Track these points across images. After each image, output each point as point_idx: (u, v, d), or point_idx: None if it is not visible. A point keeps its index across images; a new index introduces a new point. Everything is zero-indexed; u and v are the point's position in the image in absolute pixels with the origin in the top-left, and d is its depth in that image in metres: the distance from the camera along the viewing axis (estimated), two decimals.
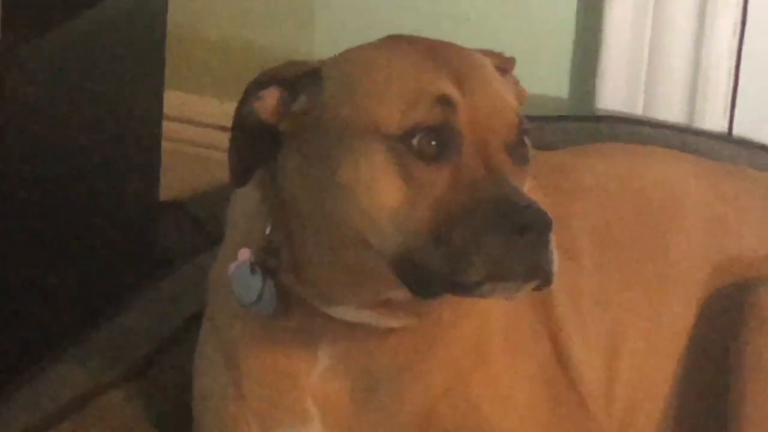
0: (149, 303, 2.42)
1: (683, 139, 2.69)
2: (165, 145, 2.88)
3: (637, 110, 2.86)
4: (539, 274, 1.82)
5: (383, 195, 1.89)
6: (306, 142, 1.98)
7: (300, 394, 2.07)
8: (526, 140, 1.93)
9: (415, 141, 1.87)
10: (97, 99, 2.72)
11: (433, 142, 1.87)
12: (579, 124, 2.73)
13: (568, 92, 2.93)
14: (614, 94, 2.87)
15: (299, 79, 1.99)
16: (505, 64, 2.06)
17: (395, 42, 2.02)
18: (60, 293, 2.61)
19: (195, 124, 2.61)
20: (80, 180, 2.69)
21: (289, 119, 1.99)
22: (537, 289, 1.85)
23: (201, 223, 2.74)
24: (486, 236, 1.79)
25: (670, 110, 2.86)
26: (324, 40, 2.96)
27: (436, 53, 1.97)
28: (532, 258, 1.80)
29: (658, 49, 2.86)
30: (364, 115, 1.92)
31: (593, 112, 2.86)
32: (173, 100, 2.88)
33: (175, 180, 2.89)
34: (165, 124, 2.87)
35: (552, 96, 2.90)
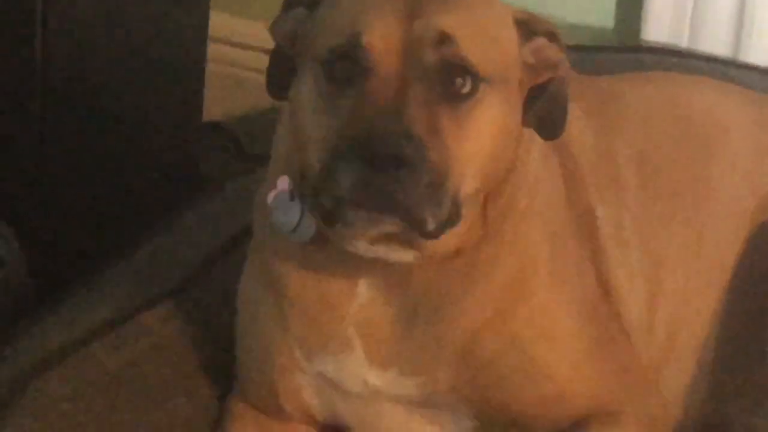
0: (190, 223, 2.40)
1: (728, 72, 2.62)
2: (209, 66, 2.84)
3: (683, 42, 2.82)
4: (397, 208, 1.76)
5: (306, 113, 1.88)
6: (299, 66, 1.96)
7: (342, 323, 2.01)
8: (477, 82, 1.83)
9: (335, 68, 1.84)
10: (144, 20, 2.69)
11: (342, 69, 1.83)
12: (624, 54, 2.68)
13: (614, 23, 2.87)
14: (660, 26, 2.82)
15: (313, 2, 1.97)
16: (535, 26, 1.94)
17: None
18: (108, 210, 2.61)
19: (240, 47, 2.48)
20: (126, 100, 2.68)
21: (297, 43, 1.97)
22: (411, 230, 1.80)
23: (241, 144, 2.69)
24: (342, 163, 1.76)
25: (716, 43, 2.82)
26: None
27: None
28: (381, 190, 1.74)
29: None
30: (316, 41, 1.90)
31: (639, 43, 2.81)
32: (219, 22, 2.84)
33: (218, 101, 2.80)
34: (210, 45, 2.83)
35: (598, 26, 2.85)
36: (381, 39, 1.81)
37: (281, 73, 1.96)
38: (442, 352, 1.99)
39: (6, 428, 1.91)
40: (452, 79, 1.81)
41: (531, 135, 1.96)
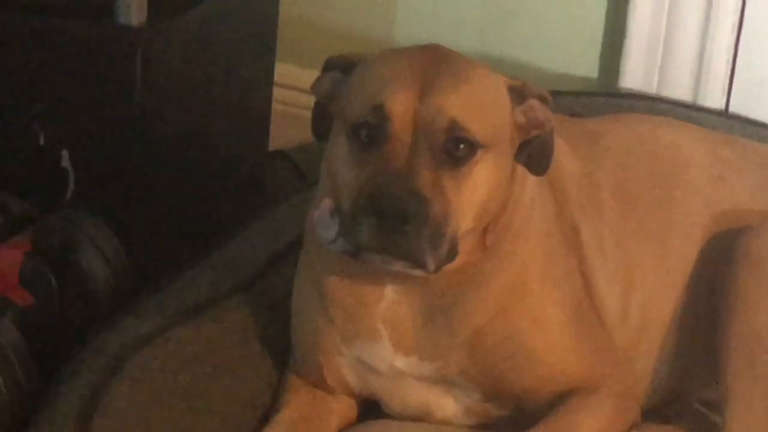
0: (257, 232, 2.35)
1: (689, 114, 2.59)
2: (274, 106, 2.83)
3: (652, 89, 2.78)
4: (402, 255, 1.83)
5: (339, 165, 1.92)
6: (335, 120, 2.00)
7: (372, 318, 2.04)
8: (476, 146, 1.86)
9: (361, 132, 1.87)
10: (223, 68, 2.67)
11: (367, 136, 1.86)
12: (605, 99, 2.65)
13: (597, 73, 2.83)
14: (634, 76, 2.79)
15: (347, 66, 1.99)
16: (524, 91, 1.97)
17: (409, 51, 1.98)
18: (194, 221, 2.59)
19: (298, 90, 2.52)
20: (208, 132, 2.65)
21: (333, 101, 2.00)
22: (414, 269, 1.86)
23: (300, 169, 2.70)
24: (362, 214, 1.82)
25: (679, 90, 2.78)
26: (402, 27, 2.86)
27: (422, 70, 1.91)
28: (391, 241, 1.80)
29: (671, 42, 2.77)
30: (347, 107, 1.93)
31: (617, 90, 2.79)
32: (282, 71, 2.84)
33: (281, 135, 2.81)
34: (275, 89, 2.82)
35: (583, 76, 2.80)
36: (398, 113, 1.84)
37: (321, 121, 2.01)
38: (454, 343, 2.01)
39: (109, 393, 1.90)
40: (456, 148, 1.85)
41: (525, 171, 1.99)
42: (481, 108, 1.90)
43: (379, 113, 1.84)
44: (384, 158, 1.83)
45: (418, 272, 1.89)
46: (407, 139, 1.84)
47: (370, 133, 1.85)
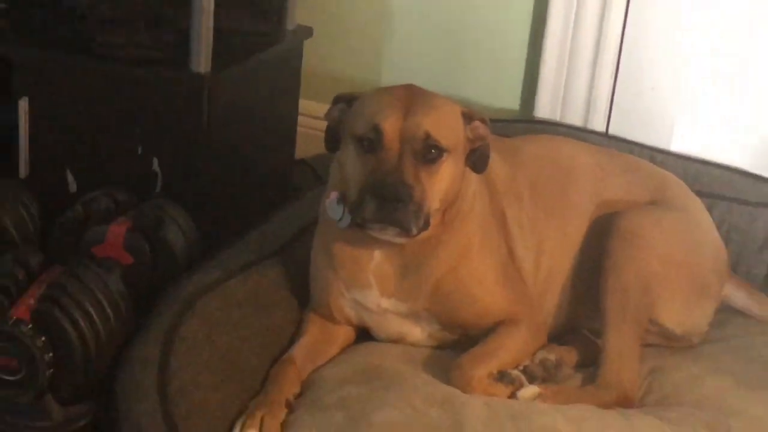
0: (286, 215, 2.32)
1: (580, 135, 2.57)
2: (299, 129, 2.81)
3: (557, 117, 2.75)
4: (396, 224, 1.87)
5: (349, 169, 1.94)
6: (343, 136, 1.99)
7: (365, 273, 2.05)
8: (441, 151, 1.90)
9: (364, 142, 1.90)
10: (263, 102, 2.64)
11: (369, 144, 1.90)
12: (524, 124, 2.63)
13: (518, 105, 2.80)
14: (544, 108, 2.76)
15: (351, 99, 2.00)
16: (473, 116, 2.01)
17: (393, 88, 2.01)
18: (242, 207, 2.56)
19: (314, 118, 2.53)
20: (253, 146, 2.61)
21: (341, 124, 2.00)
22: (402, 234, 1.91)
23: (316, 172, 2.66)
24: (368, 198, 1.86)
25: (575, 118, 2.75)
26: (385, 74, 2.85)
27: (400, 97, 1.95)
28: (389, 214, 1.85)
29: (569, 85, 2.73)
30: (351, 127, 1.95)
31: (532, 118, 2.75)
32: (303, 104, 2.81)
33: (303, 148, 2.80)
34: (299, 117, 2.80)
35: (509, 108, 2.78)
36: (388, 130, 1.88)
37: (331, 138, 2.02)
38: (420, 290, 2.03)
39: (184, 324, 1.90)
40: (429, 152, 1.89)
41: (470, 171, 2.01)
42: (444, 125, 1.93)
43: (376, 130, 1.88)
44: (380, 160, 1.87)
45: (402, 240, 1.94)
46: (396, 146, 1.88)
47: (370, 143, 1.89)
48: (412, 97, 1.94)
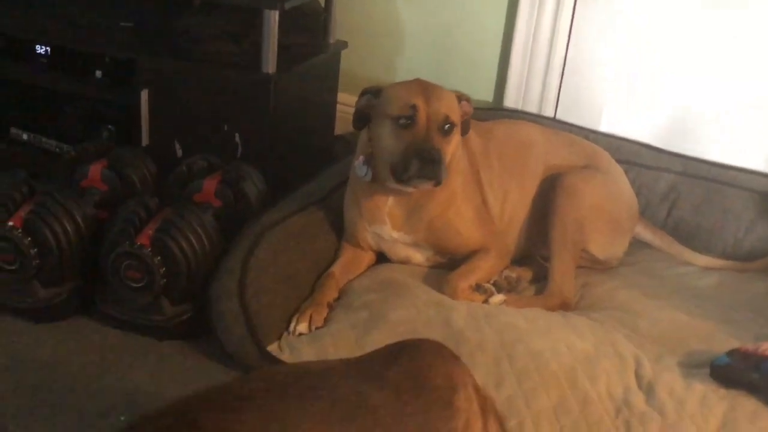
0: (327, 174, 2.28)
1: (536, 119, 2.51)
2: (337, 113, 2.76)
3: (519, 107, 2.70)
4: (433, 178, 1.88)
5: (387, 141, 1.90)
6: (373, 117, 1.96)
7: (382, 213, 2.05)
8: (453, 126, 1.91)
9: (401, 120, 1.87)
10: (312, 96, 2.61)
11: (406, 121, 1.87)
12: (494, 112, 2.58)
13: (492, 97, 2.75)
14: (511, 99, 2.71)
15: (375, 91, 1.96)
16: (463, 98, 1.99)
17: (411, 81, 1.98)
18: (297, 170, 2.50)
19: (349, 106, 2.50)
20: (305, 127, 2.59)
21: (370, 108, 1.97)
22: (436, 185, 1.90)
23: (349, 143, 2.57)
24: (413, 160, 1.85)
25: (532, 106, 2.69)
26: (397, 73, 2.80)
27: (421, 87, 1.93)
28: (430, 171, 1.86)
29: (529, 81, 2.67)
30: (386, 109, 1.90)
31: (503, 107, 2.71)
32: (340, 96, 2.76)
33: (341, 126, 2.75)
34: (338, 106, 2.76)
35: (484, 100, 2.73)
36: (422, 109, 1.87)
37: (359, 120, 1.99)
38: (420, 226, 2.02)
39: (257, 250, 1.88)
40: (445, 127, 1.89)
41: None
42: (452, 108, 1.92)
43: (413, 109, 1.87)
44: (416, 134, 1.86)
45: (430, 185, 1.91)
46: (425, 124, 1.87)
47: (406, 121, 1.87)
48: (427, 88, 1.92)
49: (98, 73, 2.47)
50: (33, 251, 1.88)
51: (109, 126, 2.48)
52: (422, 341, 1.26)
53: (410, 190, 1.95)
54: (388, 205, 2.02)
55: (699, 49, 2.54)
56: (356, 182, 2.05)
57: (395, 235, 2.05)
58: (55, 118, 2.56)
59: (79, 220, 1.94)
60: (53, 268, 1.92)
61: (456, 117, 1.93)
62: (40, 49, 2.50)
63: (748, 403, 1.64)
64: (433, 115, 1.88)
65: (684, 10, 2.53)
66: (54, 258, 1.91)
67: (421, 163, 1.83)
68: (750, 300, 2.08)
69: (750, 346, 1.74)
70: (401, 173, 1.87)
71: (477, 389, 1.25)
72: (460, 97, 1.98)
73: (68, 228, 1.92)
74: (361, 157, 1.99)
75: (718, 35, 2.51)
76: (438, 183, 1.88)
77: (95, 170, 2.11)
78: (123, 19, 2.57)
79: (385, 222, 2.04)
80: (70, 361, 1.81)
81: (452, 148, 1.92)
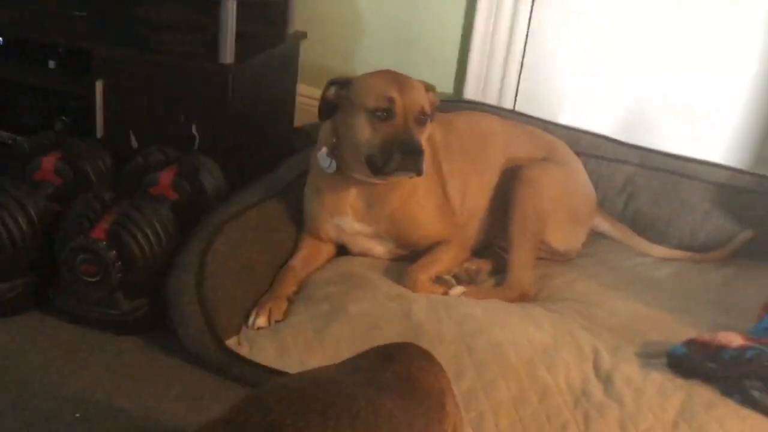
0: (287, 166, 2.26)
1: (496, 111, 2.51)
2: (297, 105, 2.75)
3: (479, 98, 2.71)
4: (415, 170, 1.86)
5: (362, 133, 1.88)
6: (343, 108, 1.93)
7: (344, 204, 2.04)
8: (427, 117, 1.91)
9: (377, 113, 1.86)
10: (271, 87, 2.59)
11: (383, 114, 1.85)
12: (455, 104, 2.57)
13: (452, 90, 2.77)
14: (470, 91, 2.72)
15: (344, 82, 1.93)
16: (429, 88, 1.98)
17: (381, 72, 1.95)
18: (255, 161, 2.49)
19: (309, 98, 2.49)
20: (264, 117, 2.57)
21: (339, 99, 1.94)
22: (417, 175, 1.88)
23: (309, 135, 2.55)
24: (395, 153, 1.82)
25: (491, 99, 2.71)
26: (360, 65, 2.79)
27: (395, 79, 1.91)
28: (411, 163, 1.84)
29: (489, 74, 2.69)
30: (360, 101, 1.88)
31: (462, 99, 2.72)
32: (301, 88, 2.75)
33: (301, 118, 2.75)
34: (298, 98, 2.74)
35: (445, 92, 2.74)
36: (398, 101, 1.86)
37: (326, 111, 1.96)
38: (381, 217, 2.02)
39: (215, 243, 1.86)
40: (421, 118, 1.88)
41: None
42: (425, 99, 1.92)
43: (390, 102, 1.86)
44: (396, 126, 1.85)
45: (374, 180, 1.92)
46: (402, 115, 1.86)
47: (383, 113, 1.86)
48: (399, 79, 1.92)
49: (52, 64, 2.44)
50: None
51: (63, 117, 2.45)
52: (407, 344, 1.27)
53: (383, 181, 1.94)
54: (350, 196, 2.01)
55: (657, 44, 2.57)
56: (318, 173, 2.03)
57: (357, 226, 2.04)
58: (8, 109, 2.52)
59: (33, 213, 1.91)
60: (7, 262, 1.88)
61: (428, 107, 1.92)
62: None
63: (704, 392, 1.66)
64: (410, 107, 1.87)
65: (641, 5, 2.55)
66: (8, 252, 1.87)
67: (402, 156, 1.82)
68: (706, 290, 2.11)
69: (706, 336, 1.76)
70: (381, 166, 1.86)
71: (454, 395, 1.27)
72: (427, 88, 1.97)
73: (21, 222, 1.89)
74: (324, 149, 1.97)
75: (675, 29, 2.54)
76: (420, 174, 1.86)
77: (49, 162, 2.07)
78: (77, 8, 2.54)
79: (347, 213, 2.02)
80: (24, 357, 1.78)
81: (425, 139, 1.93)
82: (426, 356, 1.25)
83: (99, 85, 2.36)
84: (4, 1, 2.57)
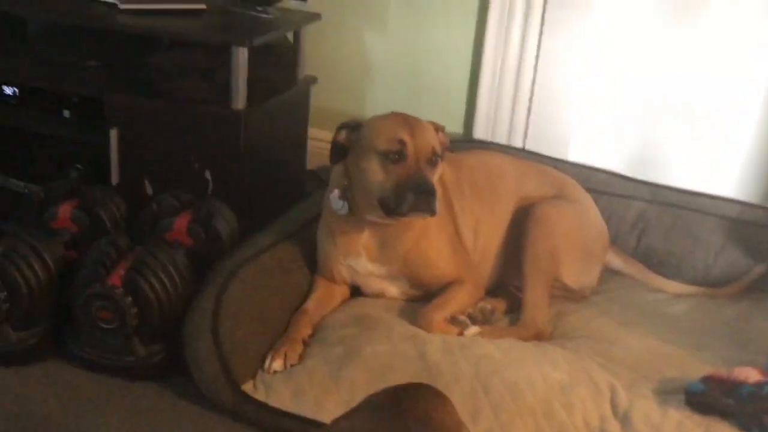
0: (300, 208, 2.27)
1: (506, 150, 2.52)
2: (309, 148, 2.75)
3: (489, 138, 2.71)
4: (428, 210, 1.87)
5: (375, 176, 1.89)
6: (354, 151, 1.94)
7: (357, 246, 2.04)
8: (438, 157, 1.92)
9: (389, 155, 1.87)
10: (283, 131, 2.60)
11: (395, 156, 1.87)
12: (465, 143, 2.57)
13: (462, 130, 2.76)
14: (480, 131, 2.71)
15: (354, 125, 1.95)
16: (439, 129, 1.99)
17: (391, 115, 1.97)
18: (269, 204, 2.49)
19: (320, 141, 2.49)
20: (276, 161, 2.58)
21: (350, 143, 1.95)
22: (431, 215, 1.89)
23: (321, 179, 2.57)
24: (408, 194, 1.83)
25: (501, 138, 2.70)
26: (369, 108, 2.78)
27: (405, 121, 1.92)
28: (425, 204, 1.86)
29: (498, 114, 2.68)
30: (371, 144, 1.90)
31: (472, 139, 2.71)
32: (313, 131, 2.75)
33: (313, 161, 2.75)
34: (310, 141, 2.74)
35: (455, 132, 2.72)
36: (410, 144, 1.87)
37: (337, 154, 1.97)
38: (395, 258, 2.02)
39: (230, 288, 1.87)
40: (432, 159, 1.90)
41: None
42: (436, 140, 1.94)
43: (401, 144, 1.87)
44: (408, 167, 1.86)
45: (388, 222, 1.93)
46: (414, 157, 1.88)
47: (395, 156, 1.87)
48: (409, 121, 1.93)
49: (66, 113, 2.46)
50: (3, 295, 1.87)
51: (78, 165, 2.47)
52: (419, 384, 1.28)
53: (396, 222, 1.95)
54: (363, 237, 2.01)
55: (667, 77, 2.57)
56: (330, 215, 2.03)
57: (370, 267, 2.04)
58: (23, 158, 2.55)
59: (50, 262, 1.93)
60: (25, 311, 1.90)
61: (438, 148, 1.93)
62: (8, 90, 2.49)
63: (723, 428, 1.65)
64: (421, 148, 1.89)
65: (651, 38, 2.56)
66: (26, 301, 1.89)
67: (416, 197, 1.84)
68: (721, 325, 2.10)
69: (723, 371, 1.75)
70: (395, 207, 1.87)
71: None
72: (437, 128, 1.98)
73: (39, 271, 1.90)
74: (336, 191, 1.98)
75: (685, 61, 2.54)
76: (433, 214, 1.87)
77: (65, 210, 2.09)
78: (90, 57, 2.57)
79: (361, 254, 2.03)
80: (41, 404, 1.79)
81: (436, 179, 1.94)
82: (438, 395, 1.26)
83: (114, 134, 2.38)
84: (19, 51, 2.61)
